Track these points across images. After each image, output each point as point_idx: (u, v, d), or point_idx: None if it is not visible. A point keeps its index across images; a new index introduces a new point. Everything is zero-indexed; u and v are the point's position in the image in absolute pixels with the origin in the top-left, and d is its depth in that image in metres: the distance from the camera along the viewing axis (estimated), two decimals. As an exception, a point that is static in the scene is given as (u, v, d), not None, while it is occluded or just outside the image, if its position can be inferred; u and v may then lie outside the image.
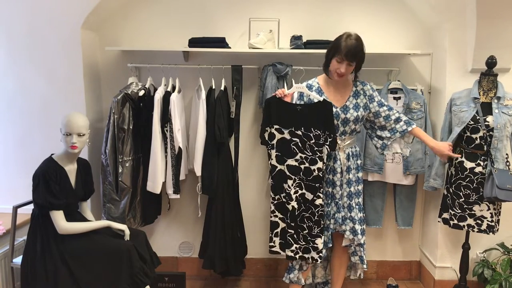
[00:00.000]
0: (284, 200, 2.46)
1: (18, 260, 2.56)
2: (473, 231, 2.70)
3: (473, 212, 2.67)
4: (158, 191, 2.90)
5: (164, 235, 3.38)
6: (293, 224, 2.46)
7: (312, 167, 2.41)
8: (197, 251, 3.17)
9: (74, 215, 2.47)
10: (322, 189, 2.44)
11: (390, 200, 3.25)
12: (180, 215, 3.35)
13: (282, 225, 2.49)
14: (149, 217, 3.07)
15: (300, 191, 2.45)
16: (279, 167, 2.45)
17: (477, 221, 2.68)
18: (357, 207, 2.54)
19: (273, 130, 2.44)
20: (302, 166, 2.42)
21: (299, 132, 2.41)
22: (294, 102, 2.52)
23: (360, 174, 2.58)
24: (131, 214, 2.90)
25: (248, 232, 3.19)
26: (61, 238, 2.31)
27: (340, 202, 2.51)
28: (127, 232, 2.45)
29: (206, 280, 3.34)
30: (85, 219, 2.55)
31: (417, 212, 3.27)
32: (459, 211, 2.70)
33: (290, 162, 2.43)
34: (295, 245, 2.48)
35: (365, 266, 2.61)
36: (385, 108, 2.54)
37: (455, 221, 2.73)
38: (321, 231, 2.45)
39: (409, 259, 3.41)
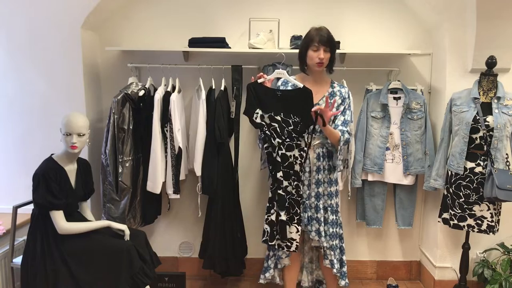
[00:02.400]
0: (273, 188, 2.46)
1: (18, 260, 2.56)
2: (473, 231, 2.70)
3: (473, 212, 2.67)
4: (158, 191, 2.90)
5: (164, 235, 3.38)
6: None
7: (288, 153, 2.40)
8: (197, 251, 3.17)
9: (74, 215, 2.47)
10: (295, 177, 2.40)
11: (390, 200, 3.25)
12: (180, 215, 3.35)
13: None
14: (149, 217, 3.07)
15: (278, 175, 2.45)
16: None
17: (477, 221, 2.68)
18: (328, 208, 2.51)
19: (255, 114, 2.43)
20: (280, 152, 2.40)
21: (279, 118, 2.41)
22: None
23: (333, 176, 2.52)
24: (131, 214, 2.89)
25: (248, 232, 3.19)
26: (61, 238, 2.31)
27: (307, 202, 2.49)
28: (127, 232, 2.45)
29: (206, 280, 3.34)
30: (85, 219, 2.55)
31: (417, 212, 3.27)
32: (459, 211, 2.70)
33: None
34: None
35: (335, 270, 2.53)
36: (341, 117, 2.46)
37: (455, 221, 2.73)
38: (290, 219, 2.42)
39: (409, 259, 3.41)
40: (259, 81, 2.43)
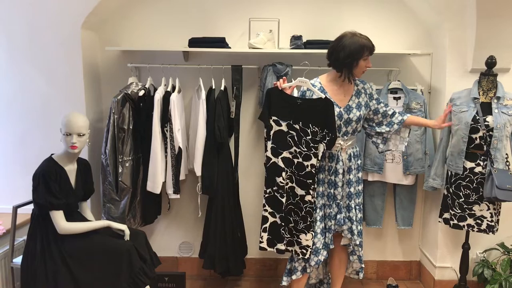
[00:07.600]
0: (275, 194, 2.45)
1: (18, 260, 2.56)
2: (473, 231, 2.71)
3: (473, 212, 2.67)
4: (158, 191, 2.91)
5: (164, 235, 3.38)
6: (284, 217, 2.47)
7: (306, 163, 2.40)
8: (197, 251, 3.17)
9: (74, 215, 2.47)
10: (313, 186, 2.42)
11: (390, 200, 3.25)
12: (180, 215, 3.35)
13: (271, 219, 2.48)
14: (149, 217, 3.07)
15: (290, 184, 2.44)
16: (273, 159, 2.44)
17: (477, 221, 2.68)
18: (357, 207, 2.55)
19: (271, 121, 2.43)
20: (295, 160, 2.42)
21: (297, 126, 2.40)
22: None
23: (360, 174, 2.59)
24: (131, 214, 2.90)
25: (248, 232, 3.19)
26: (61, 238, 2.31)
27: (341, 202, 2.51)
28: (127, 232, 2.45)
29: (206, 280, 3.34)
30: (85, 219, 2.55)
31: (417, 212, 3.27)
32: (459, 211, 2.70)
33: (285, 154, 2.42)
34: (286, 239, 2.49)
35: (363, 265, 2.63)
36: (382, 105, 2.58)
37: (455, 221, 2.73)
38: (307, 227, 2.43)
39: (409, 259, 3.41)
40: (283, 86, 2.42)
